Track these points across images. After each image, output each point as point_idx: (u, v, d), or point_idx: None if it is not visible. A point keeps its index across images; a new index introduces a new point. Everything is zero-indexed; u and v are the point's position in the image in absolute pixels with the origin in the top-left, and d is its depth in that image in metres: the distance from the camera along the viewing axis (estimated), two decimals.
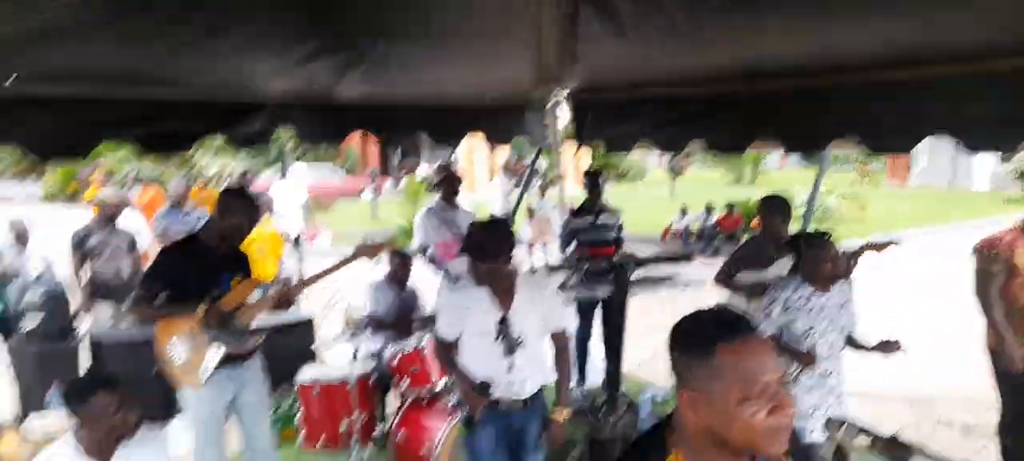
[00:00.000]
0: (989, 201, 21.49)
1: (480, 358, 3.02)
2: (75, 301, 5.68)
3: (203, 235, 3.42)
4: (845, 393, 3.38)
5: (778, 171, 34.90)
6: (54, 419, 4.62)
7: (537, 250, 12.24)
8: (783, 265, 4.18)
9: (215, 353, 3.20)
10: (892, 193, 27.18)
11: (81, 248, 5.79)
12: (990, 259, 3.73)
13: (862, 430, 1.33)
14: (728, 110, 4.40)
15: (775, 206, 4.31)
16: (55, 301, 5.32)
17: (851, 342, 3.42)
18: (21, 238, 6.00)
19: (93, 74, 3.73)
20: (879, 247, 3.91)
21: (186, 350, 3.20)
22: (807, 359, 3.20)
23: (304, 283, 3.71)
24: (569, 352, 3.20)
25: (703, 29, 3.70)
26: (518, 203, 8.10)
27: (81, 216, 9.36)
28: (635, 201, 20.85)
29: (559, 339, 3.17)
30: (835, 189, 18.48)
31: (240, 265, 3.49)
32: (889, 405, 5.08)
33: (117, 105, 4.00)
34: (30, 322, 5.18)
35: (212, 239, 3.36)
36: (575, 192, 14.49)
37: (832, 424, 1.43)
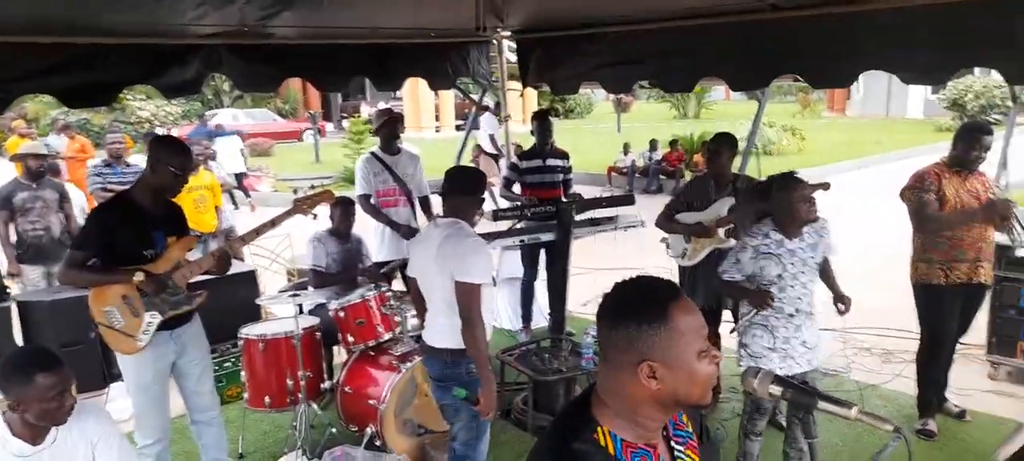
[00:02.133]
0: (922, 129, 22.31)
1: (485, 305, 2.94)
2: (2, 263, 5.47)
3: (135, 192, 3.27)
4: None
5: (722, 103, 35.37)
6: None
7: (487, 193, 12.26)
8: (723, 204, 4.29)
9: (152, 318, 3.16)
10: (831, 123, 27.99)
11: (7, 207, 5.55)
12: (924, 189, 3.92)
13: (777, 378, 1.41)
14: (674, 49, 4.45)
15: (722, 144, 4.36)
16: None
17: (824, 272, 3.44)
18: None
19: (6, 22, 3.53)
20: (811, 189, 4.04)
21: (123, 317, 3.13)
22: (759, 298, 3.21)
23: (243, 239, 3.67)
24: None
25: None
26: (464, 143, 8.04)
27: (2, 167, 8.94)
28: (581, 137, 20.96)
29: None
30: (776, 121, 18.93)
31: (175, 222, 3.39)
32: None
33: (35, 54, 3.81)
34: None
35: (145, 196, 3.24)
36: (521, 131, 14.48)
37: (749, 372, 1.51)
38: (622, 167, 14.71)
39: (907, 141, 19.73)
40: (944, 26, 3.28)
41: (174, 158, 3.22)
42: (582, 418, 1.37)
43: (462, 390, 2.93)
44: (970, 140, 3.90)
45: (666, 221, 4.50)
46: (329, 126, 28.63)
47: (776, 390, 1.41)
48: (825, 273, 3.48)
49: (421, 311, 3.24)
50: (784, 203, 3.22)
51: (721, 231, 4.29)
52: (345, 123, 24.15)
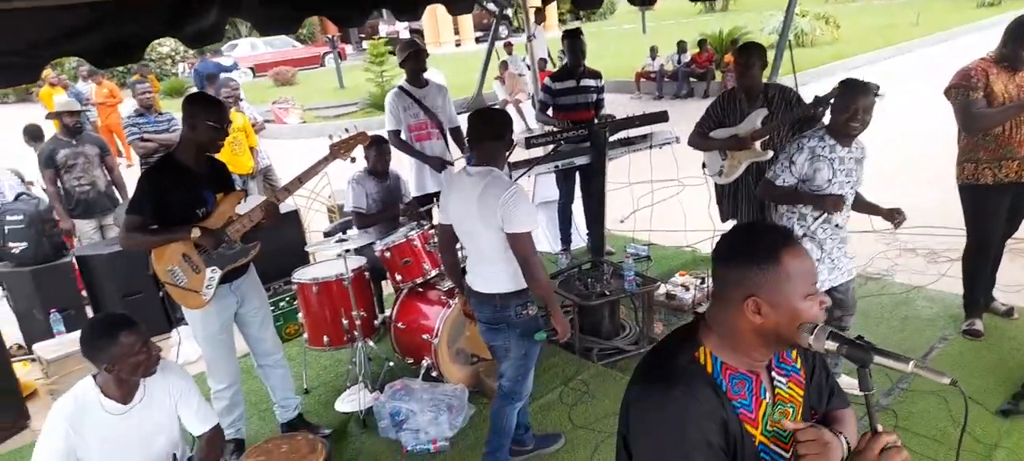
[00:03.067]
0: (963, 4, 21.22)
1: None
2: (59, 218, 5.65)
3: (179, 153, 3.37)
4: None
5: None
6: (60, 343, 4.75)
7: (510, 108, 12.11)
8: (755, 118, 4.22)
9: (214, 273, 3.28)
10: (865, 5, 26.73)
11: (52, 165, 5.70)
12: (971, 88, 3.77)
13: (833, 333, 1.44)
14: None
15: (752, 55, 4.22)
16: (41, 221, 5.26)
17: (858, 201, 3.44)
18: None
19: None
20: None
21: (185, 274, 3.26)
22: (834, 202, 3.19)
23: (287, 189, 3.72)
24: None
25: None
26: (487, 61, 7.91)
27: (34, 114, 9.06)
28: (605, 41, 20.42)
29: None
30: (809, 9, 18.16)
31: (221, 179, 3.49)
32: (859, 238, 5.33)
33: (60, 17, 3.82)
34: (19, 245, 5.15)
35: (188, 156, 3.33)
36: (545, 46, 14.13)
37: (804, 327, 1.52)
38: (651, 71, 14.37)
39: (947, 20, 18.84)
40: None
41: (211, 113, 3.29)
42: (687, 339, 1.51)
43: (541, 333, 3.04)
44: (1021, 40, 3.71)
45: (699, 138, 4.43)
46: (348, 48, 28.31)
47: (832, 345, 1.43)
48: (859, 201, 3.45)
49: (448, 256, 3.29)
50: (848, 107, 3.15)
51: (757, 144, 4.22)
52: (364, 44, 23.84)
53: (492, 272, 2.98)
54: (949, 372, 1.36)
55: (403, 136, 5.12)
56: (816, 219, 3.31)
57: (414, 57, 5.14)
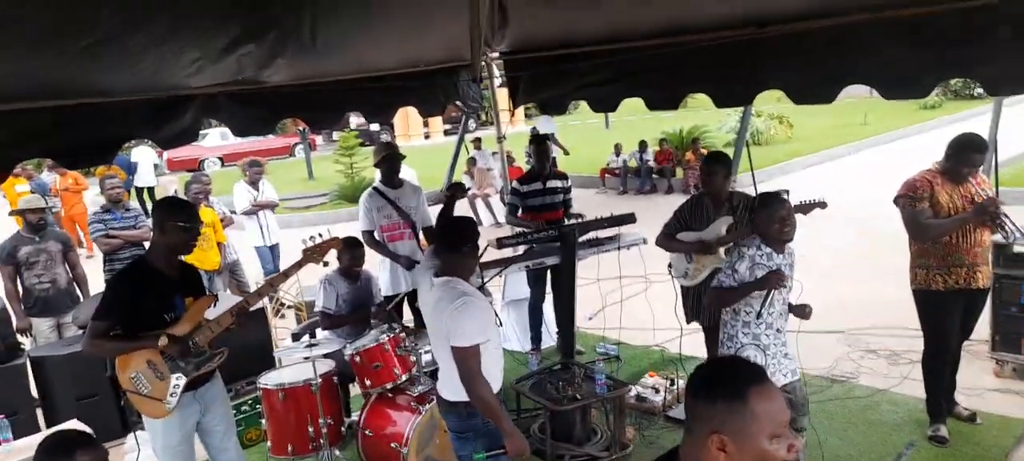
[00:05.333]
0: (906, 107, 22.43)
1: (494, 364, 2.92)
2: (14, 317, 5.48)
3: (151, 257, 3.35)
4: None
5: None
6: (7, 452, 4.50)
7: (479, 203, 12.26)
8: (721, 225, 4.36)
9: (179, 380, 3.20)
10: (815, 107, 28.02)
11: (12, 262, 5.57)
12: (916, 199, 3.98)
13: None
14: (660, 67, 4.49)
15: (716, 164, 4.43)
16: None
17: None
18: None
19: (6, 89, 3.54)
20: (806, 209, 4.10)
21: (149, 381, 3.18)
22: (776, 278, 3.30)
23: (258, 293, 3.70)
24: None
25: None
26: (456, 155, 8.10)
27: None
28: (569, 135, 20.96)
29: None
30: (764, 110, 19.01)
31: (192, 284, 3.45)
32: (822, 339, 5.45)
33: (34, 118, 3.82)
34: None
35: (159, 260, 3.30)
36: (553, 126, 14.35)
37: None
38: (615, 168, 14.79)
39: (894, 122, 19.89)
40: (921, 38, 3.29)
41: (178, 213, 3.29)
42: None
43: (481, 454, 2.92)
44: (962, 158, 3.95)
45: (666, 240, 4.56)
46: (318, 140, 28.56)
47: None
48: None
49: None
50: (765, 220, 3.36)
51: (722, 250, 4.35)
52: (335, 136, 24.13)
53: (455, 381, 2.90)
54: None
55: (375, 236, 5.17)
56: (759, 317, 3.41)
57: (390, 159, 5.26)
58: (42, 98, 3.76)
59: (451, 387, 2.98)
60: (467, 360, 2.78)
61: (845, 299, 6.21)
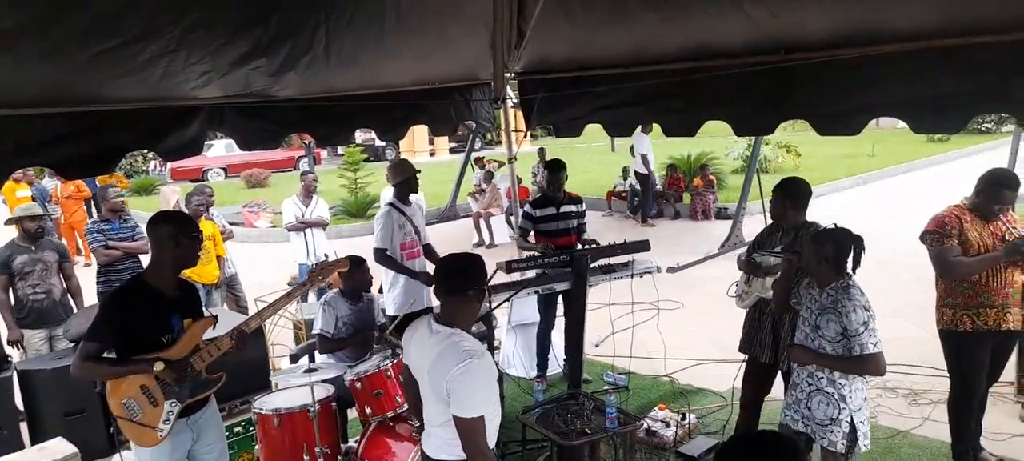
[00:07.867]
0: (914, 140, 22.36)
1: (489, 421, 2.52)
2: (4, 329, 5.33)
3: (148, 275, 3.20)
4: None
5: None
6: None
7: (482, 222, 12.13)
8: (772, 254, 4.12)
9: (173, 406, 3.04)
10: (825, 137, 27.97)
11: (6, 271, 5.43)
12: (945, 236, 3.83)
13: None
14: (678, 93, 4.35)
15: (786, 193, 4.06)
16: None
17: None
18: None
19: (8, 95, 3.42)
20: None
21: (142, 408, 3.01)
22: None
23: (260, 315, 3.54)
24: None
25: (653, 10, 3.65)
26: (462, 173, 8.00)
27: None
28: (575, 157, 20.91)
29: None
30: (770, 138, 18.91)
31: (189, 303, 3.29)
32: None
33: (35, 126, 3.70)
34: None
35: (158, 278, 3.14)
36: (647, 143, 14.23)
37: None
38: (622, 191, 14.65)
39: (902, 154, 19.79)
40: (956, 69, 3.14)
41: (170, 226, 3.14)
42: None
43: None
44: (993, 194, 3.80)
45: (747, 261, 4.24)
46: (324, 154, 28.56)
47: None
48: None
49: (412, 395, 2.83)
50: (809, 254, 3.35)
51: (768, 280, 4.09)
52: (340, 150, 24.06)
53: (443, 438, 2.59)
54: None
55: (389, 253, 5.06)
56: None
57: (408, 183, 5.18)
58: (51, 105, 3.65)
59: (437, 444, 2.65)
60: (473, 433, 2.43)
61: None
